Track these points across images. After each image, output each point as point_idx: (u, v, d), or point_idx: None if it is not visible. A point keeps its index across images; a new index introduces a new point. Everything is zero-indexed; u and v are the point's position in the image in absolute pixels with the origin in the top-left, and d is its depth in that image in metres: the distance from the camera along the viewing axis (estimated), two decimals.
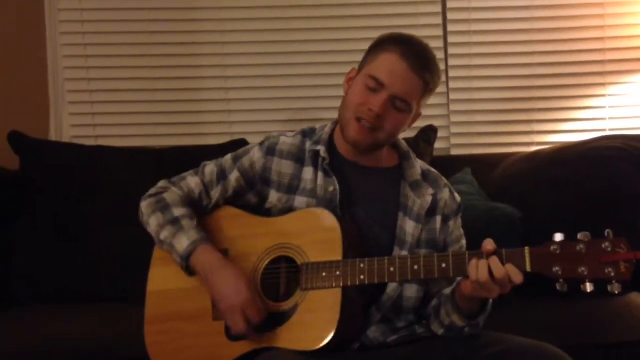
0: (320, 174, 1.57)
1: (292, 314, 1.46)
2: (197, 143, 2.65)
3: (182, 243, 1.53)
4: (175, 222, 1.56)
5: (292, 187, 1.60)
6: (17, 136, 2.42)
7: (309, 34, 2.76)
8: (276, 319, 1.47)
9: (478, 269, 1.33)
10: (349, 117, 1.55)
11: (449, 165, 2.35)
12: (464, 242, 1.64)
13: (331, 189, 1.55)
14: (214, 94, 2.78)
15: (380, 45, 1.56)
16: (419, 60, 1.52)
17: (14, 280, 2.25)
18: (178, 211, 1.58)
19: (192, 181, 1.65)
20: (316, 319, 1.43)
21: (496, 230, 2.06)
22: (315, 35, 2.77)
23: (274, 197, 1.60)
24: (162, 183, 1.67)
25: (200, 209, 1.63)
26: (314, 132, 1.65)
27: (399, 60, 1.51)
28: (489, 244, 1.36)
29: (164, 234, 1.56)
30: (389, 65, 1.51)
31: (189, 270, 1.55)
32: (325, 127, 1.65)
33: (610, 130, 2.73)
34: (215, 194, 1.64)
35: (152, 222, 1.59)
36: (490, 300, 1.45)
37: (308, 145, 1.62)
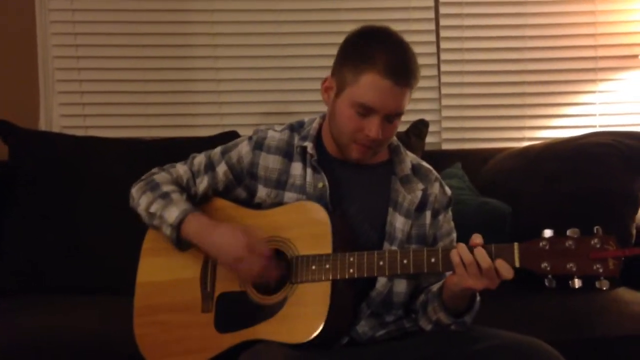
0: (309, 170, 1.57)
1: (281, 307, 1.46)
2: (188, 134, 2.64)
3: (172, 213, 1.52)
4: (165, 195, 1.56)
5: (280, 183, 1.59)
6: (6, 125, 2.40)
7: (300, 26, 2.76)
8: (265, 312, 1.47)
9: (460, 253, 1.34)
10: (345, 141, 1.52)
11: (440, 160, 2.35)
12: (454, 235, 1.64)
13: (320, 185, 1.55)
14: (205, 85, 2.77)
15: (358, 61, 1.47)
16: (403, 72, 1.45)
17: (2, 271, 2.23)
18: (168, 187, 1.59)
19: (180, 169, 1.66)
20: (305, 312, 1.43)
21: (486, 225, 2.08)
22: (306, 28, 2.76)
23: (262, 192, 1.60)
24: (152, 170, 1.68)
25: (188, 196, 1.62)
26: (302, 126, 1.64)
27: (383, 80, 1.44)
28: (477, 238, 1.36)
29: (154, 207, 1.56)
30: (373, 89, 1.44)
31: (179, 241, 1.54)
32: (314, 122, 1.64)
33: (601, 126, 2.75)
34: (201, 182, 1.63)
35: (142, 201, 1.59)
36: (478, 299, 1.46)
37: (296, 140, 1.61)
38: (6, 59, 2.68)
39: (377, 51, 1.45)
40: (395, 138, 1.64)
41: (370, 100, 1.45)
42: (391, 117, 1.49)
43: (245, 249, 1.45)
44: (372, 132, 1.47)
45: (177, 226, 1.52)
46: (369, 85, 1.45)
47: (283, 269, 1.47)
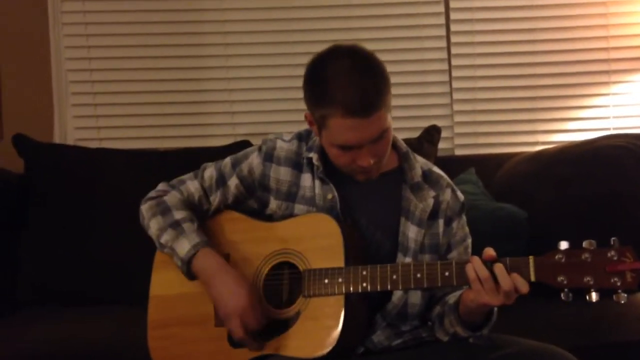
0: (317, 182, 1.55)
1: (294, 321, 1.45)
2: (200, 145, 2.65)
3: (184, 247, 1.52)
4: (176, 225, 1.55)
5: (290, 195, 1.58)
6: (21, 139, 2.43)
7: (312, 34, 2.76)
8: (279, 326, 1.46)
9: (475, 268, 1.32)
10: (347, 172, 1.51)
11: (453, 166, 2.34)
12: (469, 241, 1.62)
13: (329, 196, 1.53)
14: (217, 95, 2.78)
15: (318, 100, 1.43)
16: (365, 103, 1.38)
17: (19, 283, 2.26)
18: (179, 214, 1.57)
19: (191, 185, 1.63)
20: (319, 327, 1.42)
21: (501, 231, 2.08)
22: (318, 36, 2.76)
23: (273, 204, 1.59)
24: (161, 186, 1.66)
25: (200, 213, 1.62)
26: (310, 136, 1.61)
27: (351, 120, 1.38)
28: (490, 251, 1.34)
29: (165, 238, 1.55)
30: (344, 131, 1.40)
31: (190, 274, 1.54)
32: None
33: (615, 129, 2.72)
34: (215, 199, 1.63)
35: (153, 225, 1.58)
36: (495, 310, 1.43)
37: (304, 150, 1.59)
38: (20, 73, 2.71)
39: (334, 89, 1.39)
40: (404, 144, 1.62)
41: (346, 140, 1.42)
42: (378, 138, 1.44)
43: (239, 311, 1.44)
44: (364, 162, 1.45)
45: (188, 262, 1.52)
46: (338, 129, 1.41)
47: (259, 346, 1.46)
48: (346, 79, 1.39)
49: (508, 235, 2.09)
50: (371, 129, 1.41)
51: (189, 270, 1.53)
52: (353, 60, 1.42)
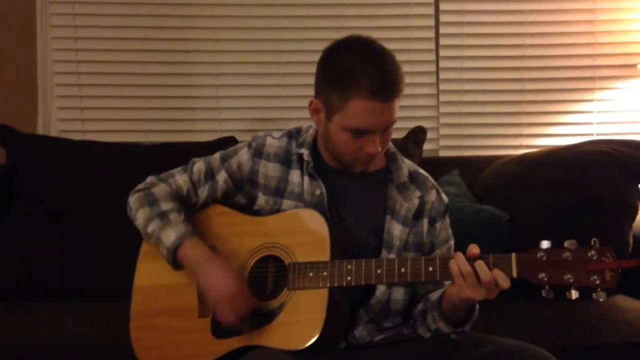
0: (306, 178, 1.57)
1: (278, 313, 1.45)
2: (186, 140, 2.65)
3: (170, 236, 1.52)
4: (162, 215, 1.55)
5: (279, 190, 1.59)
6: (4, 129, 2.41)
7: (300, 32, 2.76)
8: (262, 318, 1.47)
9: (458, 264, 1.34)
10: (348, 161, 1.52)
11: (438, 167, 2.37)
12: (452, 242, 1.64)
13: (318, 192, 1.55)
14: (204, 90, 2.78)
15: (342, 86, 1.44)
16: (389, 88, 1.43)
17: (1, 275, 2.23)
18: (166, 205, 1.57)
19: (180, 179, 1.64)
20: (302, 319, 1.43)
21: (484, 233, 2.10)
22: (306, 34, 2.77)
23: (261, 199, 1.60)
24: (150, 179, 1.66)
25: (188, 206, 1.62)
26: (300, 133, 1.63)
27: (373, 102, 1.41)
28: (474, 248, 1.36)
29: (151, 227, 1.55)
30: (364, 114, 1.43)
31: (175, 264, 1.54)
32: (310, 129, 1.63)
33: (598, 134, 2.76)
34: (203, 192, 1.63)
35: (140, 216, 1.58)
36: (477, 307, 1.45)
37: (294, 147, 1.61)
38: (5, 62, 2.68)
39: (359, 73, 1.42)
40: (392, 145, 1.64)
41: (363, 124, 1.44)
42: (387, 128, 1.49)
43: (229, 295, 1.45)
44: (373, 149, 1.47)
45: (174, 251, 1.52)
46: (358, 111, 1.43)
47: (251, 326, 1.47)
48: (375, 63, 1.43)
49: (490, 236, 2.11)
50: (387, 115, 1.45)
51: (174, 260, 1.53)
52: (376, 49, 1.47)
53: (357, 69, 1.43)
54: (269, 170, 1.60)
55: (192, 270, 1.52)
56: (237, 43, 2.77)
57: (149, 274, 1.61)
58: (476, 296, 1.34)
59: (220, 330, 1.49)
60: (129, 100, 2.76)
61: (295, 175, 1.58)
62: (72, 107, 2.74)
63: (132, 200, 1.62)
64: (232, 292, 1.45)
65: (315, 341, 1.39)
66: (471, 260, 1.34)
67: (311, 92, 2.77)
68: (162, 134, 2.74)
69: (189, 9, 2.76)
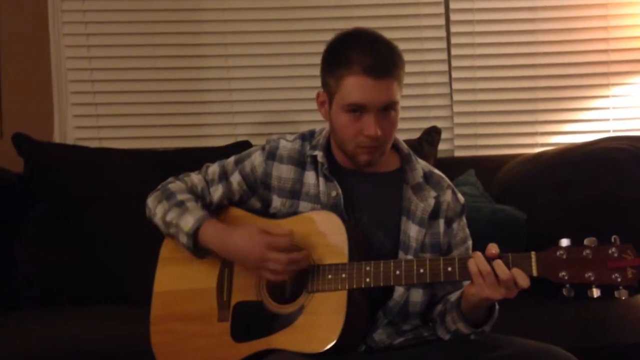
0: (321, 180, 1.57)
1: (297, 316, 1.46)
2: (201, 145, 2.65)
3: (188, 221, 1.54)
4: (180, 204, 1.58)
5: (294, 192, 1.59)
6: (21, 138, 2.43)
7: (313, 35, 2.76)
8: (282, 321, 1.47)
9: (477, 263, 1.34)
10: (351, 149, 1.53)
11: (453, 167, 2.36)
12: (469, 243, 1.63)
13: (334, 194, 1.55)
14: (217, 95, 2.79)
15: (336, 65, 1.50)
16: (381, 65, 1.46)
17: (18, 282, 2.25)
18: (182, 196, 1.60)
19: (195, 178, 1.67)
20: (322, 322, 1.43)
21: (501, 233, 2.07)
22: (319, 37, 2.74)
23: (277, 202, 1.60)
24: (167, 180, 1.69)
25: (203, 205, 1.63)
26: (313, 136, 1.64)
27: (365, 78, 1.46)
28: (493, 248, 1.35)
29: (170, 216, 1.57)
30: (358, 89, 1.47)
31: (196, 247, 1.55)
32: (323, 131, 1.64)
33: (614, 131, 2.73)
34: (216, 191, 1.64)
35: (158, 211, 1.60)
36: (497, 307, 1.45)
37: (307, 149, 1.61)
38: (20, 72, 2.71)
39: (351, 54, 1.48)
40: (405, 146, 1.64)
41: (356, 98, 1.47)
42: (386, 109, 1.49)
43: (267, 247, 1.46)
44: (370, 129, 1.48)
45: (194, 233, 1.53)
46: (351, 87, 1.47)
47: (306, 261, 1.47)
48: (365, 45, 1.49)
49: (507, 237, 2.07)
50: (382, 92, 1.47)
51: (195, 244, 1.54)
52: (373, 35, 1.53)
53: (350, 49, 1.49)
54: (283, 172, 1.60)
55: (217, 247, 1.53)
56: (249, 47, 2.78)
57: (168, 279, 1.62)
58: (495, 295, 1.33)
59: (239, 334, 1.50)
60: (143, 106, 2.77)
61: (310, 177, 1.59)
62: (88, 115, 2.75)
63: (150, 200, 1.65)
64: (267, 241, 1.46)
65: (335, 344, 1.39)
66: (490, 260, 1.34)
67: None
68: (177, 139, 2.75)
69: (200, 14, 2.77)
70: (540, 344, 1.43)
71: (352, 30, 1.55)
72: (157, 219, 1.61)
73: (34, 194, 2.35)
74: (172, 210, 1.58)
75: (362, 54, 1.47)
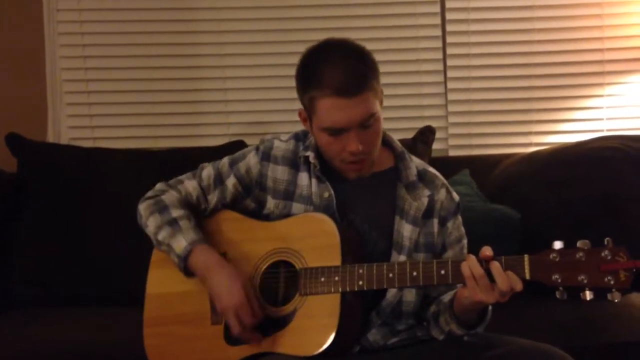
0: (314, 181, 1.56)
1: (290, 319, 1.45)
2: (195, 144, 2.64)
3: (180, 244, 1.53)
4: (173, 222, 1.55)
5: (288, 193, 1.59)
6: (15, 138, 2.43)
7: (307, 34, 2.74)
8: (275, 324, 1.47)
9: (470, 266, 1.33)
10: (338, 165, 1.53)
11: (447, 166, 2.34)
12: (464, 242, 1.63)
13: (326, 195, 1.54)
14: (212, 95, 2.78)
15: (307, 86, 1.48)
16: (351, 83, 1.43)
17: (13, 282, 2.25)
18: (176, 212, 1.57)
19: (189, 185, 1.64)
20: (315, 324, 1.43)
21: (495, 232, 2.09)
22: (314, 36, 2.70)
23: (270, 203, 1.60)
24: (159, 185, 1.66)
25: (198, 212, 1.63)
26: (307, 136, 1.63)
27: (337, 99, 1.43)
28: (487, 250, 1.35)
29: (162, 235, 1.56)
30: (332, 112, 1.44)
31: (187, 271, 1.54)
32: None
33: (608, 130, 2.72)
34: (213, 198, 1.63)
35: (150, 224, 1.58)
36: (490, 309, 1.45)
37: (301, 149, 1.61)
38: (14, 71, 2.69)
39: (320, 73, 1.45)
40: (399, 144, 1.64)
41: (333, 122, 1.45)
42: (366, 123, 1.47)
43: (234, 306, 1.45)
44: (352, 146, 1.46)
45: (185, 258, 1.53)
46: (325, 110, 1.45)
47: (257, 340, 1.47)
48: (334, 63, 1.45)
49: (501, 236, 2.10)
50: (357, 110, 1.44)
51: (186, 267, 1.54)
52: (341, 48, 1.49)
53: (319, 69, 1.46)
54: (278, 173, 1.60)
55: (202, 278, 1.52)
56: (244, 46, 2.77)
57: (161, 281, 1.61)
58: (488, 299, 1.33)
59: (232, 337, 1.49)
60: (137, 106, 2.76)
61: (303, 178, 1.58)
62: (82, 115, 2.74)
63: (142, 207, 1.62)
64: (238, 302, 1.45)
65: (329, 346, 1.39)
66: (483, 262, 1.33)
67: None
68: (171, 139, 2.74)
69: (195, 13, 2.76)
70: (535, 343, 1.43)
71: (322, 44, 1.52)
72: (149, 232, 1.60)
73: (28, 194, 2.35)
74: (164, 229, 1.56)
75: (331, 72, 1.44)
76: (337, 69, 1.44)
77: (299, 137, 1.64)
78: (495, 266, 1.32)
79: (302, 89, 1.51)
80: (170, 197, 1.61)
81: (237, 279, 1.48)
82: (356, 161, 1.50)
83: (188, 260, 1.52)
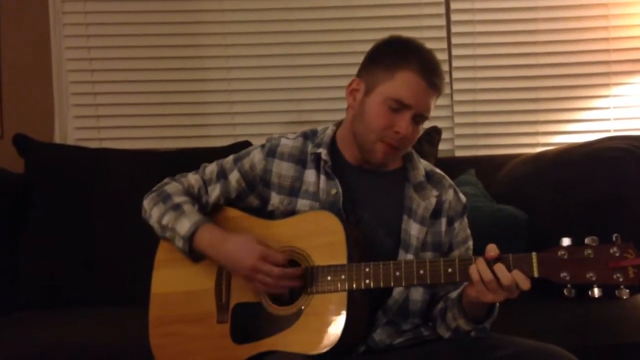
0: (322, 177, 1.57)
1: (297, 318, 1.45)
2: (201, 145, 2.65)
3: (184, 225, 1.53)
4: (176, 207, 1.57)
5: (293, 189, 1.59)
6: (22, 139, 2.43)
7: (312, 35, 2.77)
8: (281, 322, 1.46)
9: (479, 270, 1.33)
10: (372, 140, 1.53)
11: (453, 167, 2.34)
12: (470, 243, 1.63)
13: (334, 192, 1.55)
14: (217, 96, 2.79)
15: (392, 60, 1.51)
16: (435, 75, 1.51)
17: (18, 283, 2.25)
18: (179, 199, 1.59)
19: (192, 178, 1.66)
20: (321, 323, 1.42)
21: (501, 233, 2.08)
22: (318, 37, 2.77)
23: (275, 199, 1.60)
24: (163, 181, 1.69)
25: (200, 206, 1.63)
26: (316, 135, 1.64)
27: (419, 80, 1.48)
28: (491, 250, 1.35)
29: (166, 219, 1.56)
30: (410, 86, 1.49)
31: (192, 252, 1.54)
32: (327, 130, 1.64)
33: (615, 130, 2.72)
34: (214, 190, 1.64)
35: (154, 213, 1.60)
36: (497, 305, 1.45)
37: (310, 147, 1.61)
38: (21, 73, 2.71)
39: (411, 53, 1.51)
40: None
41: (406, 95, 1.48)
42: (419, 118, 1.51)
43: (260, 258, 1.45)
44: (403, 127, 1.49)
45: (189, 238, 1.53)
46: (404, 81, 1.49)
47: (299, 279, 1.47)
48: (425, 52, 1.54)
49: (508, 237, 2.09)
50: (427, 100, 1.51)
51: (190, 248, 1.54)
52: (430, 50, 1.56)
53: (410, 50, 1.52)
54: (283, 169, 1.60)
55: (212, 253, 1.52)
56: (249, 47, 2.78)
57: (166, 281, 1.62)
58: (497, 299, 1.34)
59: (239, 336, 1.49)
60: (143, 107, 2.77)
61: (310, 175, 1.59)
62: (88, 116, 2.76)
63: (146, 202, 1.64)
64: (262, 253, 1.45)
65: (336, 345, 1.39)
66: (491, 262, 1.33)
67: (325, 94, 2.77)
68: (177, 140, 2.75)
69: (201, 14, 2.77)
70: (540, 343, 1.42)
71: (410, 37, 1.58)
72: (153, 222, 1.60)
73: (34, 195, 2.35)
74: (168, 213, 1.57)
75: (421, 57, 1.51)
76: (427, 58, 1.52)
77: (308, 136, 1.65)
78: (500, 268, 1.32)
79: (379, 60, 1.54)
80: (172, 187, 1.63)
81: (249, 238, 1.49)
82: (393, 145, 1.51)
83: (193, 240, 1.52)
